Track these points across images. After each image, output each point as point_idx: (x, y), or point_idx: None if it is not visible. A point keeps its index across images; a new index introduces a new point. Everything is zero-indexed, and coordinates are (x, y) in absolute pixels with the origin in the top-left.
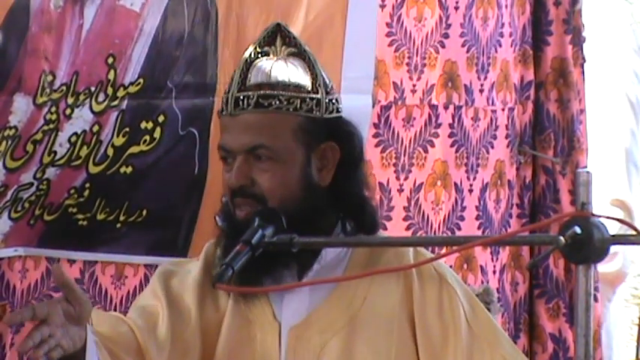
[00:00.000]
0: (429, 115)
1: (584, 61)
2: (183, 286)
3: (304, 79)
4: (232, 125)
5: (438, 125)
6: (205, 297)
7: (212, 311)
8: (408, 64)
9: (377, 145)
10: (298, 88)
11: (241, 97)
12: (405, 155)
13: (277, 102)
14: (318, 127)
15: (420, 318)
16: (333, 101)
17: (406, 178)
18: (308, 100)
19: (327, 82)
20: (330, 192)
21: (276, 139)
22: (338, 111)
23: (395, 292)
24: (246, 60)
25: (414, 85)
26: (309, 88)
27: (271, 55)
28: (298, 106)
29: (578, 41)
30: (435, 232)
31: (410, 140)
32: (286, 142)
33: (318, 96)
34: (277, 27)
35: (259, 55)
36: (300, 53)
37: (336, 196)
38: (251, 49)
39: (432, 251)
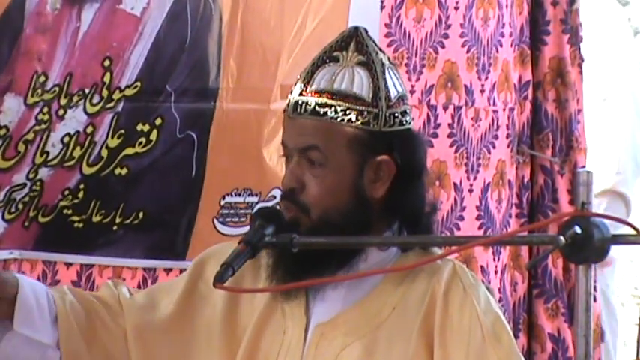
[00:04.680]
0: (428, 115)
1: (582, 60)
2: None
3: (365, 91)
4: (290, 126)
5: (437, 125)
6: (244, 282)
7: (244, 298)
8: (407, 64)
9: None
10: (357, 99)
11: (300, 102)
12: None
13: (333, 112)
14: (374, 140)
15: (438, 335)
16: (396, 114)
17: None
18: (366, 113)
19: (393, 94)
20: (385, 203)
21: (329, 144)
22: (402, 124)
23: (420, 306)
24: (314, 63)
25: (412, 86)
26: (369, 101)
27: (340, 61)
28: (354, 118)
29: (575, 41)
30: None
31: None
32: (339, 150)
33: (377, 110)
34: (355, 31)
35: (328, 60)
36: (368, 63)
37: (390, 208)
38: (321, 51)
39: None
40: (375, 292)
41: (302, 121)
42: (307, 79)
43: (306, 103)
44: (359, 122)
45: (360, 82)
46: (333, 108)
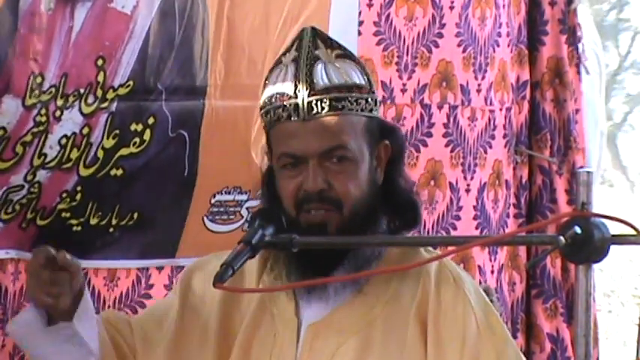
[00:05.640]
0: (421, 114)
1: (580, 60)
2: (206, 284)
3: (362, 79)
4: (304, 130)
5: (431, 125)
6: (229, 294)
7: (239, 307)
8: (397, 63)
9: None
10: (360, 88)
11: (314, 102)
12: None
13: (348, 103)
14: (376, 126)
15: (432, 326)
16: (378, 100)
17: None
18: (369, 100)
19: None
20: (382, 189)
21: (352, 140)
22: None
23: (413, 299)
24: (306, 64)
25: (403, 85)
26: (368, 88)
27: (323, 59)
28: (364, 106)
29: (573, 41)
30: (428, 232)
31: None
32: (359, 141)
33: (374, 95)
34: (314, 30)
35: (314, 60)
36: (347, 55)
37: (386, 193)
38: (294, 53)
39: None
40: (365, 289)
41: (321, 121)
42: (309, 79)
43: (321, 101)
44: (367, 110)
45: (353, 72)
46: (347, 100)
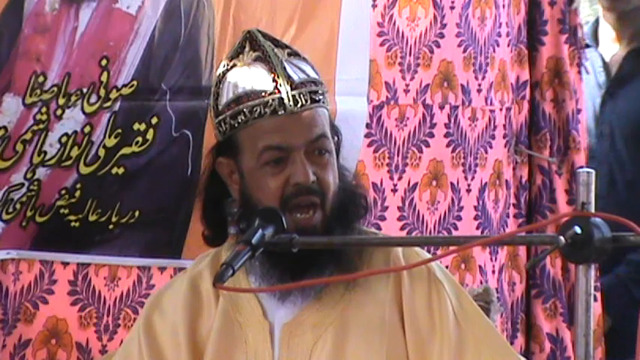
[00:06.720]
0: (424, 114)
1: (581, 60)
2: (167, 320)
3: (316, 74)
4: (291, 123)
5: (433, 125)
6: (193, 317)
7: (203, 327)
8: (400, 63)
9: (369, 145)
10: (320, 83)
11: (297, 95)
12: (398, 155)
13: (320, 96)
14: (330, 119)
15: (408, 313)
16: None
17: (400, 178)
18: (327, 93)
19: None
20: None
21: (328, 131)
22: None
23: (385, 288)
24: (278, 60)
25: (407, 85)
26: (323, 82)
27: (281, 57)
28: (328, 100)
29: (575, 41)
30: (430, 232)
31: (404, 140)
32: (329, 133)
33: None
34: (257, 32)
35: (279, 58)
36: (297, 52)
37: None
38: (255, 54)
39: (428, 250)
40: (334, 283)
41: (307, 113)
42: (286, 74)
43: (302, 94)
44: (328, 103)
45: (308, 69)
46: (319, 93)
